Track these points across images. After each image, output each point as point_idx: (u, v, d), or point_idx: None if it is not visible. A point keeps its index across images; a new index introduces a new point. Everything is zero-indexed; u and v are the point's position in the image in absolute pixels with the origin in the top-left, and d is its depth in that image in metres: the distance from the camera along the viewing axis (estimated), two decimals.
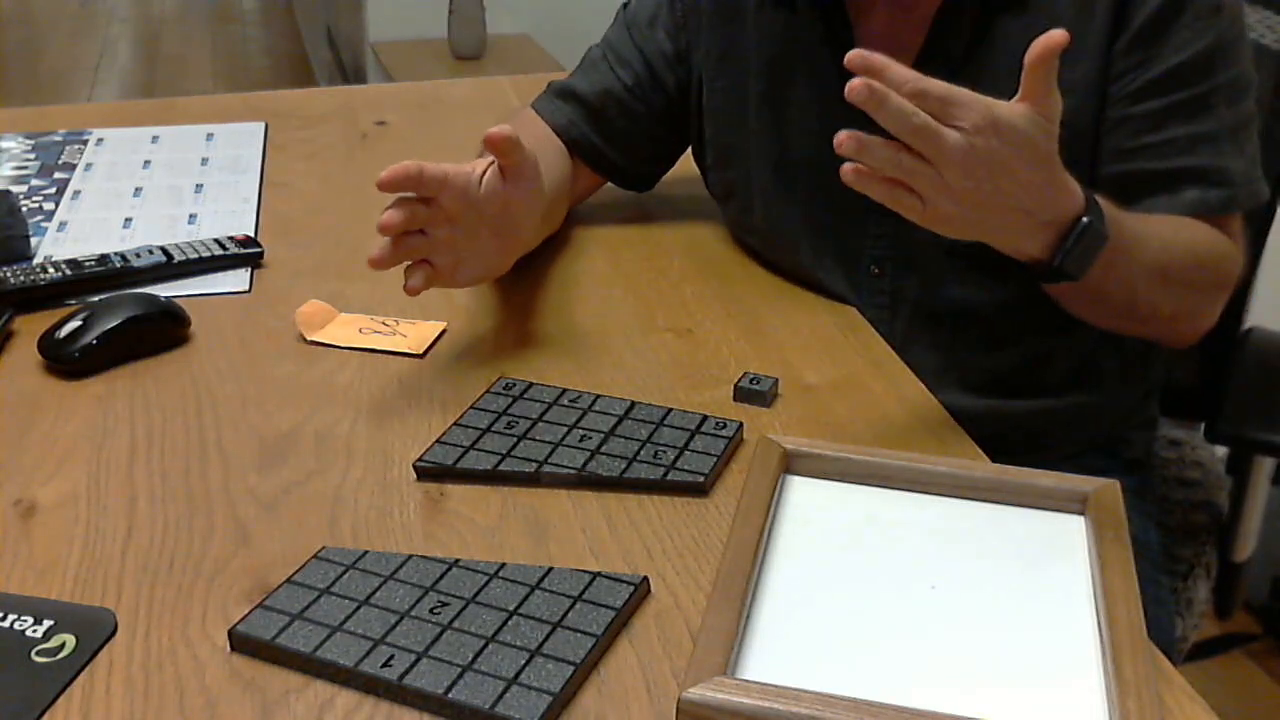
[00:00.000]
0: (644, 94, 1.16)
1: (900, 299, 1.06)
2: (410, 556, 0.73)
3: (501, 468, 0.82)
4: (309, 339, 1.00)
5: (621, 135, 1.18)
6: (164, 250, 1.11)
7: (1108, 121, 0.98)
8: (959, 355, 1.06)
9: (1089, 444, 1.11)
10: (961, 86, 0.83)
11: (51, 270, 1.06)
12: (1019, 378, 1.06)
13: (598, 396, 0.90)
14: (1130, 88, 0.97)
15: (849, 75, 0.79)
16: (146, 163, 1.37)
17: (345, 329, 1.01)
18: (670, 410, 0.88)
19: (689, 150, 1.21)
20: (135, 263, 1.08)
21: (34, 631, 0.68)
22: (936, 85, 0.77)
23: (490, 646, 0.66)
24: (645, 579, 0.72)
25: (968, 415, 0.91)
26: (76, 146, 1.41)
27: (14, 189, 1.27)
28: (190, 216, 1.24)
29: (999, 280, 1.02)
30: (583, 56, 1.21)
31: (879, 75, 0.75)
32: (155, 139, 1.44)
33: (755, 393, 0.91)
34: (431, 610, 0.69)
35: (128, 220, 1.23)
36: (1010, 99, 0.89)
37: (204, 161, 1.37)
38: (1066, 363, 1.07)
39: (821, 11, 1.04)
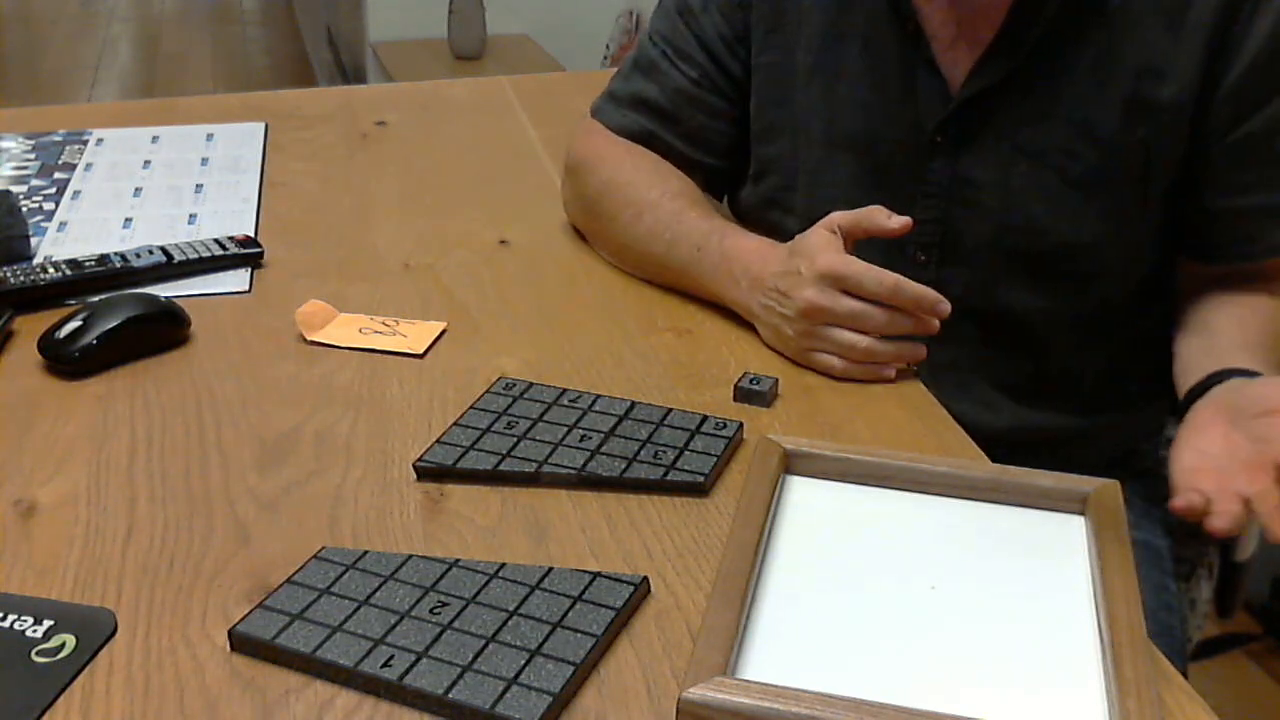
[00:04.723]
0: (714, 85, 1.11)
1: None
2: (410, 556, 0.73)
3: (501, 468, 0.82)
4: (309, 339, 1.00)
5: (702, 133, 1.13)
6: (164, 250, 1.11)
7: (1226, 154, 0.97)
8: (993, 355, 1.05)
9: (1106, 464, 1.10)
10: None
11: (51, 270, 1.06)
12: (1048, 388, 1.05)
13: (598, 396, 0.90)
14: (1258, 123, 0.95)
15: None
16: (146, 163, 1.37)
17: (345, 329, 1.01)
18: (670, 410, 0.88)
19: None
20: (135, 263, 1.08)
21: (34, 631, 0.68)
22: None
23: (490, 646, 0.66)
24: (645, 579, 0.72)
25: (989, 429, 0.90)
26: (76, 146, 1.41)
27: (14, 189, 1.27)
28: (190, 216, 1.24)
29: (1052, 288, 1.01)
30: (632, 54, 1.16)
31: None
32: (155, 139, 1.44)
33: (755, 393, 0.91)
34: (431, 610, 0.69)
35: (128, 220, 1.23)
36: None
37: (204, 161, 1.37)
38: (1095, 379, 1.06)
39: None
